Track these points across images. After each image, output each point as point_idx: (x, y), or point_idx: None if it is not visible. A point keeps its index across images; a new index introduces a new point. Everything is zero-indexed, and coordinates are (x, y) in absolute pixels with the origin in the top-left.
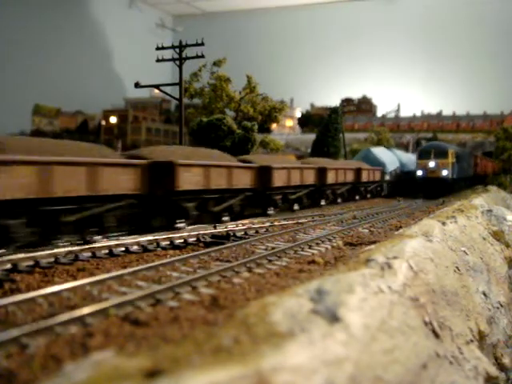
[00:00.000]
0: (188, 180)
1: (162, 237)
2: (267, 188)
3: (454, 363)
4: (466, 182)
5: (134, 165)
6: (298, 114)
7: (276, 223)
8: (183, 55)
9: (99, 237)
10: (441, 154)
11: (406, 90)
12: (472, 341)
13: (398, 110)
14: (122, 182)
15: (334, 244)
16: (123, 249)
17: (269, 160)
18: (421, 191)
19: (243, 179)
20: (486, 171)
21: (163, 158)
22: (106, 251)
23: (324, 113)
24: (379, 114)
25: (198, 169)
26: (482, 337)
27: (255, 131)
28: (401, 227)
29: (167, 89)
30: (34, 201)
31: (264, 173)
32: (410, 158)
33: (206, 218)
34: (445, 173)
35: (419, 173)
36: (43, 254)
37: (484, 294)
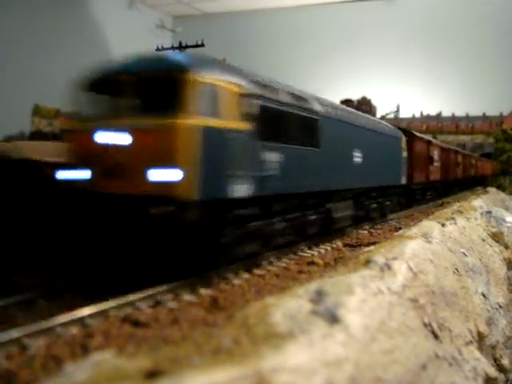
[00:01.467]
0: None
1: None
2: None
3: (453, 364)
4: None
5: None
6: None
7: None
8: None
9: None
10: (149, 91)
11: (405, 90)
12: (471, 342)
13: (397, 111)
14: None
15: (334, 245)
16: None
17: None
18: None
19: None
20: (457, 174)
21: None
22: None
23: None
24: (379, 114)
25: None
26: (481, 338)
27: None
28: (400, 228)
29: None
30: None
31: None
32: None
33: None
34: (170, 176)
35: (60, 175)
36: None
37: (483, 295)
